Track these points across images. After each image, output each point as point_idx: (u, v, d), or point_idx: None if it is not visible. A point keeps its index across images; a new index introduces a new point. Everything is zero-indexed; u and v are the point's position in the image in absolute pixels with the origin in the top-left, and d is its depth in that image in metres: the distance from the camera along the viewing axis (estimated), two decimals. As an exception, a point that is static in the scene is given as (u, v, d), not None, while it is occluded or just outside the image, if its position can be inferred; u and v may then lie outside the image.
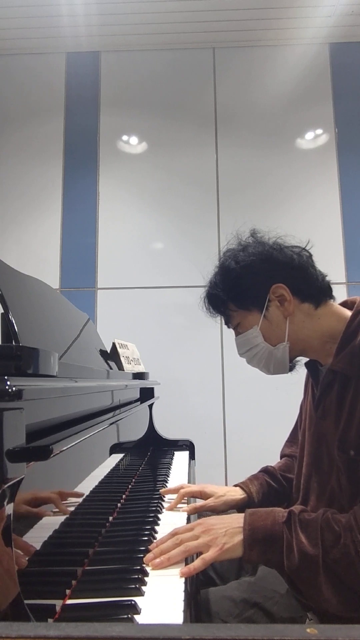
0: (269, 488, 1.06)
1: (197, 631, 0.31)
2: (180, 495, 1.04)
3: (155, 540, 0.78)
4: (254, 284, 0.91)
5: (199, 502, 1.03)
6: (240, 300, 0.93)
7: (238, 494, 1.03)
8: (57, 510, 0.66)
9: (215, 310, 0.98)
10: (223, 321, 1.00)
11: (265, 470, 1.10)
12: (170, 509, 1.01)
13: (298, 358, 0.96)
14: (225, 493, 1.03)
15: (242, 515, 0.76)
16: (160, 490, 1.10)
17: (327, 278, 0.94)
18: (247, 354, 0.95)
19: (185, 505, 1.03)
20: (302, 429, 1.00)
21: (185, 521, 0.93)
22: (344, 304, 0.94)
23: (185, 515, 0.97)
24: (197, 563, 0.68)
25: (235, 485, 1.06)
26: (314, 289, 0.91)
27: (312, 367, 0.96)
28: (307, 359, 0.97)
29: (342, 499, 0.81)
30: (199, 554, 0.72)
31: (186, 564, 0.70)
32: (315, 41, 3.15)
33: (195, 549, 0.72)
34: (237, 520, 0.75)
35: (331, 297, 0.93)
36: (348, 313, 0.89)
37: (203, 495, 1.04)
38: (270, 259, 0.91)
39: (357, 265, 3.01)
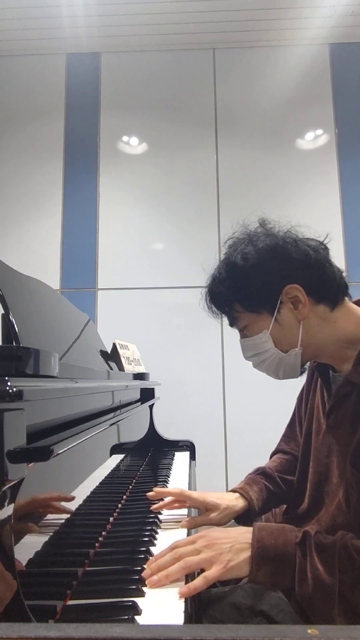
0: (268, 493, 0.99)
1: (198, 632, 0.31)
2: (179, 493, 0.96)
3: (152, 556, 0.72)
4: (265, 285, 0.81)
5: (198, 517, 0.92)
6: (249, 302, 0.84)
7: (239, 503, 0.94)
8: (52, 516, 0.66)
9: (219, 309, 0.89)
10: (227, 321, 0.91)
11: (263, 473, 1.03)
12: (161, 506, 0.95)
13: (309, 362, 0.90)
14: (227, 505, 0.92)
15: (249, 529, 0.70)
16: (153, 492, 0.99)
17: (344, 274, 0.86)
18: (254, 358, 0.88)
19: (185, 512, 0.97)
20: (306, 429, 0.96)
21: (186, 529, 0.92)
22: (358, 303, 0.87)
23: (185, 515, 0.96)
24: (198, 582, 0.62)
25: (234, 491, 0.97)
26: (331, 289, 0.82)
27: (323, 371, 0.90)
28: (317, 362, 0.91)
29: (349, 514, 0.78)
30: (200, 570, 0.66)
31: (186, 581, 0.65)
32: (315, 42, 3.15)
33: (196, 565, 0.65)
34: (244, 535, 0.69)
35: (347, 295, 0.85)
36: None
37: (203, 506, 0.93)
38: (283, 255, 0.80)
39: (357, 266, 3.01)
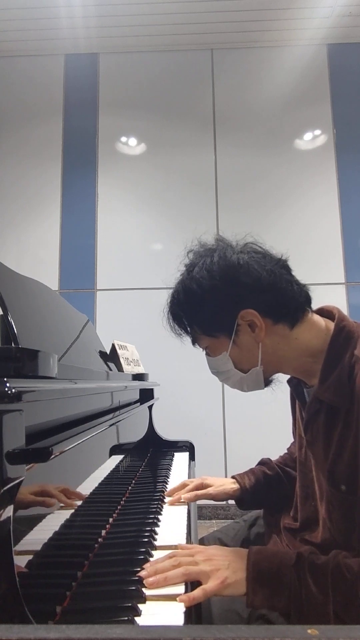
0: (264, 477, 1.08)
1: (198, 632, 0.31)
2: (181, 484, 1.10)
3: (152, 557, 0.73)
4: (220, 311, 0.81)
5: (199, 491, 1.07)
6: (206, 327, 0.85)
7: (234, 486, 1.08)
8: (61, 506, 0.66)
9: (181, 329, 0.89)
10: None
11: (261, 462, 1.14)
12: (172, 499, 1.06)
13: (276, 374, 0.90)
14: (223, 483, 1.09)
15: (245, 551, 0.71)
16: (165, 493, 1.11)
17: (306, 287, 0.85)
18: (218, 376, 0.90)
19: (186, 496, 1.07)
20: (296, 442, 0.97)
21: (185, 521, 0.93)
22: (320, 312, 0.87)
23: (184, 516, 0.97)
24: (197, 593, 0.62)
25: (232, 477, 1.11)
26: (289, 308, 0.81)
27: (296, 386, 0.90)
28: (289, 376, 0.92)
29: (334, 530, 0.79)
30: (197, 582, 0.67)
31: (186, 590, 0.65)
32: (313, 42, 3.16)
33: (195, 574, 0.66)
34: (240, 555, 0.70)
35: (309, 307, 0.85)
36: (324, 325, 0.83)
37: (203, 486, 1.09)
38: (236, 281, 0.79)
39: (356, 266, 3.02)
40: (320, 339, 0.81)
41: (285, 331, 0.82)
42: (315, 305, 0.88)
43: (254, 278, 0.79)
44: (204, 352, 0.91)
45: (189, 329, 0.88)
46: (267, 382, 0.89)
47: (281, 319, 0.81)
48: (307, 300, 0.84)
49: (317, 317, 0.85)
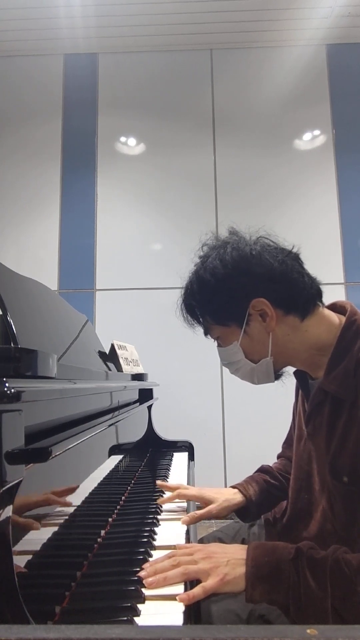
0: (267, 486, 1.04)
1: (197, 632, 0.31)
2: (176, 495, 1.01)
3: (151, 557, 0.73)
4: (232, 300, 0.83)
5: (199, 511, 0.95)
6: (218, 316, 0.86)
7: (237, 497, 1.00)
8: (57, 510, 0.66)
9: (194, 320, 0.91)
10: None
11: (262, 470, 1.09)
12: (163, 502, 1.01)
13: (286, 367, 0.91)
14: (226, 498, 0.99)
15: (245, 547, 0.71)
16: (159, 491, 1.10)
17: (318, 280, 0.86)
18: (229, 366, 0.91)
19: (183, 510, 1.01)
20: (295, 435, 0.97)
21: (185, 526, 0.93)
22: (332, 307, 0.88)
23: (184, 509, 0.96)
24: (197, 591, 0.63)
25: (233, 487, 1.04)
26: (300, 299, 0.82)
27: (301, 378, 0.91)
28: (295, 369, 0.92)
29: (335, 523, 0.79)
30: (196, 581, 0.67)
31: (185, 589, 0.65)
32: (312, 42, 3.16)
33: (194, 573, 0.66)
34: (240, 551, 0.70)
35: (320, 301, 0.86)
36: (336, 320, 0.84)
37: (202, 502, 1.00)
38: (248, 271, 0.81)
39: (355, 266, 3.02)
40: (330, 333, 0.82)
41: (295, 322, 0.83)
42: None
43: (265, 268, 0.81)
44: (216, 344, 0.92)
45: (201, 319, 0.90)
46: (277, 376, 0.90)
47: (292, 310, 0.83)
48: (318, 293, 0.85)
49: (328, 312, 0.86)
